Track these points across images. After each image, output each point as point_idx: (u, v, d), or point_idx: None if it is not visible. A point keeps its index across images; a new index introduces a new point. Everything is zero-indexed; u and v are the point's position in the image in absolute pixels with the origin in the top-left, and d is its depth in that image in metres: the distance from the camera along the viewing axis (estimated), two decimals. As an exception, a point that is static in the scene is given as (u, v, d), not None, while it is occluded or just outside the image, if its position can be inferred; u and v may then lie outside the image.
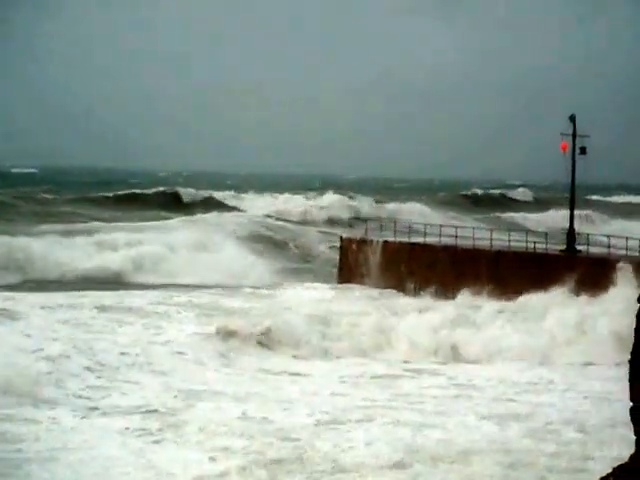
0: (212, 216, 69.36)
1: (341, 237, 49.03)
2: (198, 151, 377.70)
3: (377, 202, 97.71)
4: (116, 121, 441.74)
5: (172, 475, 18.36)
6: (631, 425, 11.62)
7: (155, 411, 22.91)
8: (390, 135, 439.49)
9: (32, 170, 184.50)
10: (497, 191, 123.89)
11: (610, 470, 11.76)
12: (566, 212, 72.12)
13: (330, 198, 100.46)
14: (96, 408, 22.87)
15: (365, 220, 49.68)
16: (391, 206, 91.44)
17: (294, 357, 30.46)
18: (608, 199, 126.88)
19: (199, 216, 70.04)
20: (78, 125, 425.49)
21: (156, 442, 20.41)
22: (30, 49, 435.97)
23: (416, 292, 41.59)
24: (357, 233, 47.69)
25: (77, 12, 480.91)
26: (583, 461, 19.34)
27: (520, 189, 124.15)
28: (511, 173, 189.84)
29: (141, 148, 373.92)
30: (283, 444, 20.18)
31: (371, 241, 45.58)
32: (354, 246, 46.13)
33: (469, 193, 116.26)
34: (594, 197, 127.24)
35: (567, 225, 41.84)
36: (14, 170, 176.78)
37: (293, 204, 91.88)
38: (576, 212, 43.59)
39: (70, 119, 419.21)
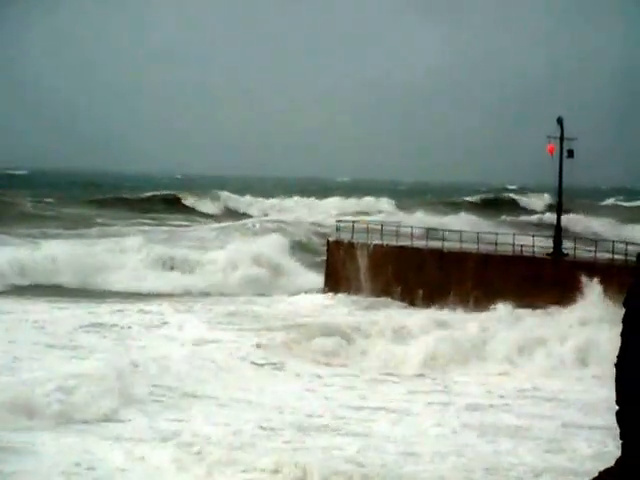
0: (242, 224, 68.66)
1: (327, 240, 47.11)
2: (193, 154, 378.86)
3: (398, 207, 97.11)
4: (109, 122, 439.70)
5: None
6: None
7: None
8: (385, 137, 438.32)
9: (22, 172, 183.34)
10: (506, 195, 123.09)
11: (596, 474, 11.55)
12: (577, 217, 71.87)
13: (347, 203, 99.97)
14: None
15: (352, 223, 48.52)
16: (412, 211, 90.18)
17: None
18: (621, 203, 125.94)
19: (227, 224, 69.63)
20: (68, 127, 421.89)
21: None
22: (21, 49, 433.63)
23: (403, 296, 41.13)
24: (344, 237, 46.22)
25: (72, 13, 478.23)
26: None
27: (532, 193, 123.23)
28: (510, 175, 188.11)
29: (135, 150, 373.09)
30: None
31: (359, 244, 44.22)
32: (341, 250, 44.79)
33: (478, 197, 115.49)
34: (608, 202, 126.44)
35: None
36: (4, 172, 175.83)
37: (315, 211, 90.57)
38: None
39: (59, 121, 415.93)
